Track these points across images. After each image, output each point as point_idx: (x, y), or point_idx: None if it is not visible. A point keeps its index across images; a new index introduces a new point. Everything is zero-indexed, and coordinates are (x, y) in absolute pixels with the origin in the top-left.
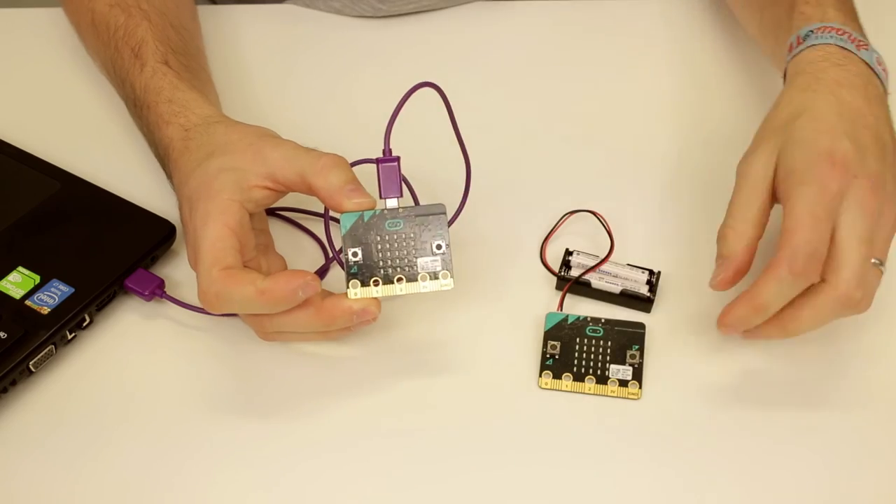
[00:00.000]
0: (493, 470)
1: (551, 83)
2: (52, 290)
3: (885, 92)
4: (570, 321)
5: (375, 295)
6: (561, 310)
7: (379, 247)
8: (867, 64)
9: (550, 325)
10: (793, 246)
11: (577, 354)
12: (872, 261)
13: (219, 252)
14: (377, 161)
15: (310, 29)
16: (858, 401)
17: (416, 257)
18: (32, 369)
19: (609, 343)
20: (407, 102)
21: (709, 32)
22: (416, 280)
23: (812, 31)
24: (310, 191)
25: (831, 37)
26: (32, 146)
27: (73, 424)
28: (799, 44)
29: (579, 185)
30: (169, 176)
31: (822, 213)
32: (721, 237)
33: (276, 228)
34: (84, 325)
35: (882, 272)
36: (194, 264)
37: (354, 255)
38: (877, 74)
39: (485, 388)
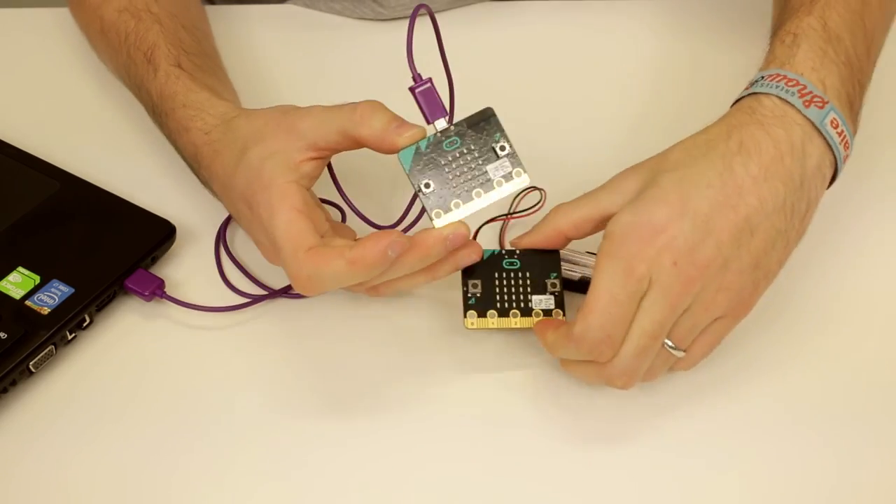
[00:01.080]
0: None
1: (551, 83)
2: (52, 290)
3: (831, 162)
4: (485, 256)
5: (460, 216)
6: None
7: (446, 170)
8: (813, 124)
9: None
10: (586, 326)
11: (497, 290)
12: (668, 344)
13: (297, 235)
14: (411, 89)
15: (311, 30)
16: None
17: (485, 165)
18: (32, 369)
19: (528, 274)
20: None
21: (706, 35)
22: (493, 187)
23: (763, 76)
24: (356, 144)
25: (776, 87)
26: (32, 146)
27: (73, 424)
28: (748, 88)
29: (577, 186)
30: (204, 182)
31: (622, 297)
32: (552, 212)
33: None
34: (84, 325)
35: (678, 357)
36: (274, 257)
37: (427, 185)
38: (825, 137)
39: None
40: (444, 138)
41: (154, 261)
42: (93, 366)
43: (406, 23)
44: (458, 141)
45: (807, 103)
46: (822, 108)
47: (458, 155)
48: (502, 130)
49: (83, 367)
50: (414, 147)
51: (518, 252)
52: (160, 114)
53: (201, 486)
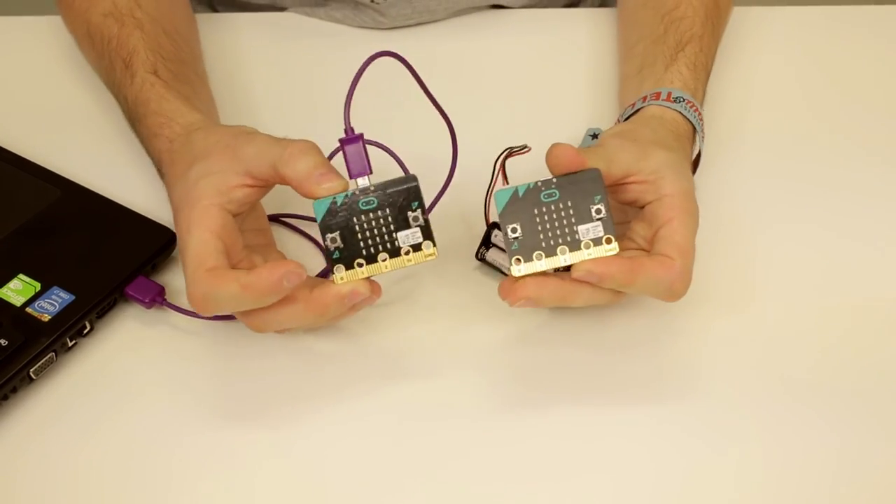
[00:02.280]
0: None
1: (550, 90)
2: (53, 297)
3: None
4: (521, 193)
5: (361, 276)
6: (506, 183)
7: (356, 228)
8: (698, 155)
9: (503, 205)
10: (685, 267)
11: (540, 228)
12: None
13: (202, 255)
14: (340, 142)
15: (310, 38)
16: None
17: (396, 231)
18: (33, 376)
19: (569, 203)
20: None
21: None
22: (400, 255)
23: (684, 99)
24: (284, 181)
25: (694, 118)
26: (33, 153)
27: (73, 431)
28: (668, 99)
29: None
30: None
31: (695, 247)
32: (566, 150)
33: (278, 235)
34: (84, 332)
35: None
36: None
37: (333, 241)
38: (694, 165)
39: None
40: (361, 196)
41: (154, 268)
42: (93, 373)
43: (406, 31)
44: (375, 201)
45: (702, 137)
46: (702, 141)
47: (371, 215)
48: (422, 200)
49: (83, 374)
50: (331, 198)
51: (555, 180)
52: (133, 119)
53: (203, 490)
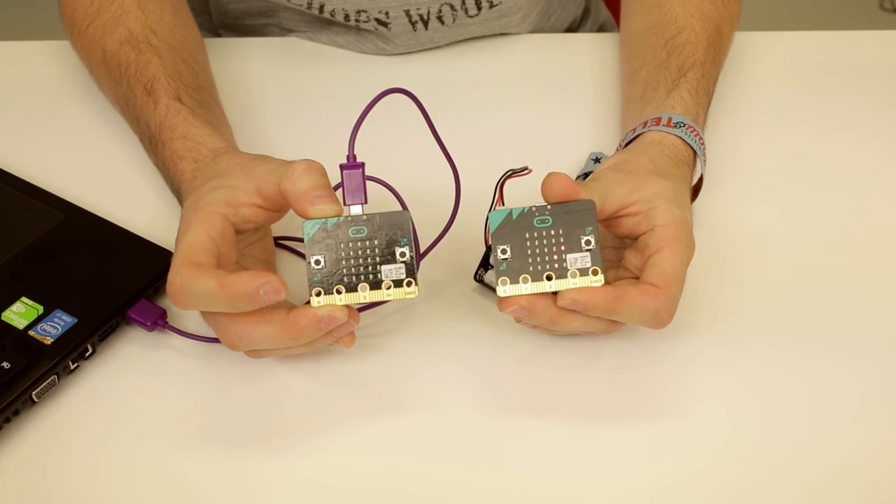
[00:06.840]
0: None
1: (553, 114)
2: (56, 320)
3: None
4: (515, 216)
5: (339, 303)
6: (502, 204)
7: (342, 254)
8: (700, 178)
9: (496, 226)
10: (670, 295)
11: (529, 252)
12: None
13: (193, 248)
14: (341, 167)
15: (313, 63)
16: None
17: (381, 264)
18: (35, 399)
19: (560, 230)
20: (403, 130)
21: None
22: (380, 288)
23: (685, 124)
24: (285, 199)
25: (695, 142)
26: (37, 177)
27: (74, 454)
28: (669, 125)
29: None
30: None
31: (685, 273)
32: (564, 181)
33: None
34: (87, 355)
35: None
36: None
37: (317, 262)
38: (696, 189)
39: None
40: (353, 223)
41: (156, 291)
42: (95, 395)
43: (410, 58)
44: (365, 231)
45: (704, 161)
46: (704, 165)
47: (359, 244)
48: (411, 238)
49: (85, 397)
50: (322, 220)
51: (549, 207)
52: (157, 143)
53: None
